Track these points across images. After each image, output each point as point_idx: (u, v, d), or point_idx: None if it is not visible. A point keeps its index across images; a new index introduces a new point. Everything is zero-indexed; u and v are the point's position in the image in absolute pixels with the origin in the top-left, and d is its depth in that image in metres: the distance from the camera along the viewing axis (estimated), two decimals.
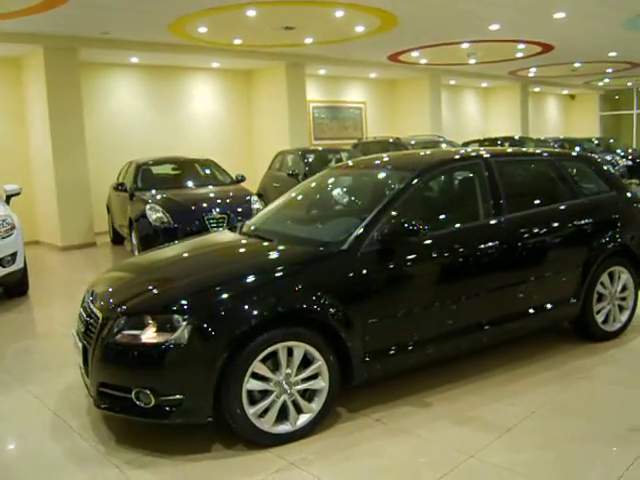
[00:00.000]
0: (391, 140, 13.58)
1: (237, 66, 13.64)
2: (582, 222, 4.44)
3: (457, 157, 4.29)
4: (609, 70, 17.31)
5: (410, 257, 3.60)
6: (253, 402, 3.16)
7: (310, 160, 11.34)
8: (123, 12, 8.67)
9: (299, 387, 3.25)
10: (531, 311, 4.16)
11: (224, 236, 4.41)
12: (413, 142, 13.52)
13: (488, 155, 4.27)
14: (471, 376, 4.07)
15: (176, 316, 3.11)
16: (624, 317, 4.68)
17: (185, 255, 4.05)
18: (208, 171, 9.95)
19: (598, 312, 4.52)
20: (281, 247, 3.72)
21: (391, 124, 17.44)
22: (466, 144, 15.77)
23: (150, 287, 3.46)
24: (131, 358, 3.14)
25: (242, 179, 9.86)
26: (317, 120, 15.88)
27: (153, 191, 8.76)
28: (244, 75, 14.21)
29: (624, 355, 4.45)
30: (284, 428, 3.24)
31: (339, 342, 3.33)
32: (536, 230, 4.18)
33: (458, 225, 4.00)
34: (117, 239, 10.59)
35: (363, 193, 4.47)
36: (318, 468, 3.04)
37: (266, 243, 3.84)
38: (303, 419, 3.29)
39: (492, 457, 3.05)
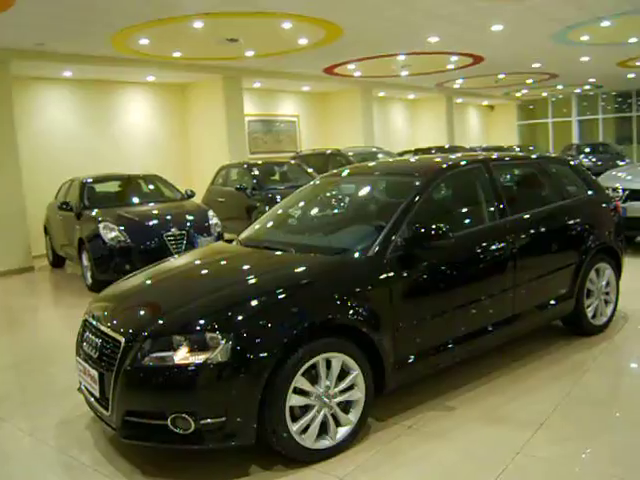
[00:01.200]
0: (329, 152, 13.64)
1: (173, 80, 13.32)
2: (573, 221, 4.62)
3: (462, 161, 4.33)
4: (529, 81, 18.26)
5: (435, 260, 3.60)
6: (294, 419, 3.03)
7: (257, 173, 11.14)
8: (65, 22, 8.22)
9: (338, 399, 3.15)
10: (536, 309, 4.28)
11: (227, 249, 4.21)
12: (351, 153, 13.68)
13: (487, 159, 4.36)
14: (483, 377, 4.10)
15: (211, 334, 2.94)
16: (609, 310, 4.91)
17: (199, 271, 3.85)
18: (155, 187, 9.58)
19: (588, 307, 4.71)
20: (302, 257, 3.60)
21: (324, 136, 17.57)
22: (401, 154, 16.15)
23: (174, 305, 3.25)
24: (163, 382, 2.93)
25: (192, 194, 9.57)
26: (252, 134, 15.74)
27: (103, 209, 8.31)
28: (179, 89, 13.89)
29: (614, 348, 4.64)
30: (325, 443, 3.13)
31: (372, 350, 3.27)
32: (538, 230, 4.31)
33: (471, 227, 4.05)
34: (57, 262, 9.98)
35: (373, 200, 4.42)
36: None
37: (284, 254, 3.71)
38: (342, 432, 3.19)
39: (538, 452, 3.09)
